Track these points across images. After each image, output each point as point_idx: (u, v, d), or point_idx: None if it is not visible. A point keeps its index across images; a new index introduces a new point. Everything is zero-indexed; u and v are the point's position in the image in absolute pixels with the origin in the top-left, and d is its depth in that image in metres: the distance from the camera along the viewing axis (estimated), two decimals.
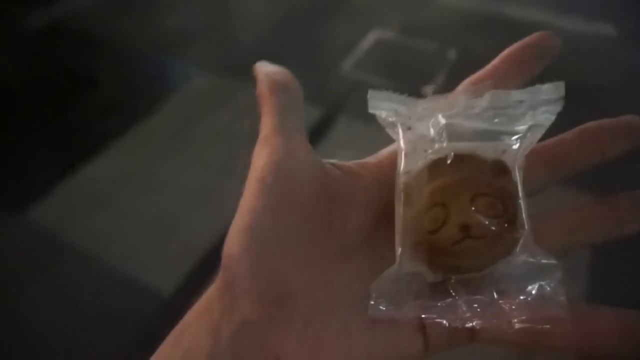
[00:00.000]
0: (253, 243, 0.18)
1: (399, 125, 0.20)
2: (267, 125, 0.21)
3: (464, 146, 0.18)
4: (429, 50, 2.23)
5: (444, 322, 0.16)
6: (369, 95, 0.21)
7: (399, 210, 0.18)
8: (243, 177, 0.20)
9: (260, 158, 0.20)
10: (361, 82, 2.05)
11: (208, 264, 1.40)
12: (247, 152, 0.21)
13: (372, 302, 0.17)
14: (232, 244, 0.18)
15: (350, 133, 1.79)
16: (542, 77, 0.21)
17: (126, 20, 2.50)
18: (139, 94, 2.05)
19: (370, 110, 0.21)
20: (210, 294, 0.20)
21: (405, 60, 2.23)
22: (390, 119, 0.20)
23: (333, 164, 0.21)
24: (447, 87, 0.22)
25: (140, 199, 1.61)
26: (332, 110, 1.93)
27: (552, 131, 0.20)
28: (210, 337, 0.18)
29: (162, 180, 1.68)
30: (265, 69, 0.23)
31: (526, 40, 0.21)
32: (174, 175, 1.68)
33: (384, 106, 0.20)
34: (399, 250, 0.18)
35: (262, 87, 0.22)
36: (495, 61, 0.21)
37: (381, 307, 0.17)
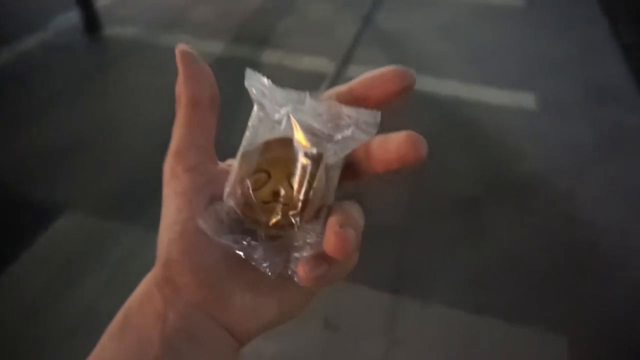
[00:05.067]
0: (189, 246, 0.22)
1: (255, 103, 0.24)
2: (181, 138, 0.24)
3: (296, 136, 0.23)
4: None
5: (242, 254, 0.22)
6: (246, 73, 0.24)
7: (235, 166, 0.24)
8: None
9: (176, 174, 0.23)
10: None
11: None
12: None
13: (201, 220, 0.22)
14: (172, 249, 0.22)
15: None
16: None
17: None
18: None
19: (245, 84, 0.24)
20: (146, 288, 0.23)
21: None
22: (255, 97, 0.25)
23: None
24: None
25: None
26: None
27: None
28: (158, 321, 0.22)
29: None
30: (189, 69, 0.24)
31: (381, 73, 0.24)
32: None
33: (255, 85, 0.25)
34: (226, 192, 0.23)
35: (184, 95, 0.24)
36: (353, 84, 0.25)
37: (205, 226, 0.22)
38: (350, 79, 0.25)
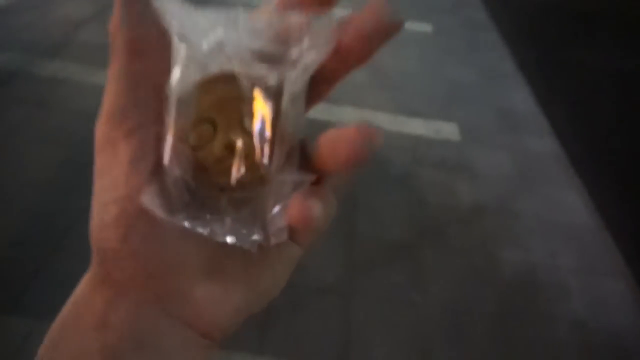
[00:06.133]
0: (129, 231, 0.17)
1: (174, 35, 0.18)
2: (116, 96, 0.19)
3: (241, 67, 0.18)
4: None
5: (205, 232, 0.17)
6: (155, 2, 0.18)
7: (169, 121, 0.18)
8: None
9: (112, 140, 0.18)
10: None
11: None
12: None
13: (144, 197, 0.17)
14: (107, 237, 0.18)
15: None
16: None
17: None
18: None
19: (156, 9, 0.18)
20: (83, 291, 0.19)
21: None
22: (172, 29, 0.18)
23: None
24: None
25: None
26: None
27: None
28: (98, 332, 0.17)
29: None
30: (127, 4, 0.19)
31: None
32: None
33: (169, 15, 0.18)
34: (166, 156, 0.18)
35: (120, 39, 0.19)
36: None
37: (151, 203, 0.17)
38: None
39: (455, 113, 2.35)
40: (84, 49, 2.47)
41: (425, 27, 3.24)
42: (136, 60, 0.19)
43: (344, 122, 2.17)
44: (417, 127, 2.22)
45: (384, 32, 0.18)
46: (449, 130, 2.23)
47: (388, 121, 2.23)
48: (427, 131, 2.21)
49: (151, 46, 0.19)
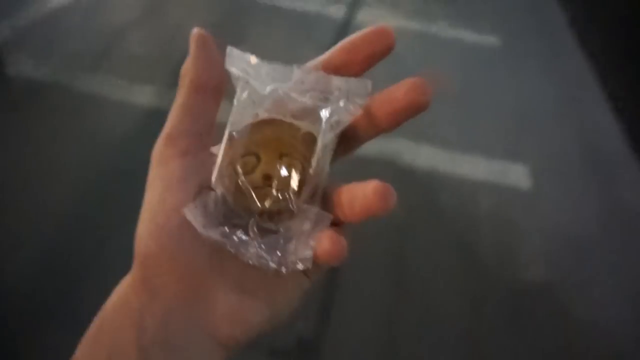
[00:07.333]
0: (170, 240, 0.21)
1: (240, 80, 0.23)
2: (175, 122, 0.23)
3: (287, 115, 0.23)
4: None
5: (233, 250, 0.21)
6: (227, 51, 0.24)
7: (222, 149, 0.23)
8: None
9: (165, 159, 0.22)
10: None
11: None
12: None
13: (187, 210, 0.21)
14: (151, 243, 0.21)
15: None
16: None
17: None
18: None
19: (226, 66, 0.24)
20: (123, 290, 0.22)
21: None
22: (237, 75, 0.24)
23: None
24: None
25: None
26: None
27: None
28: (133, 330, 0.20)
29: None
30: (201, 51, 0.24)
31: (361, 36, 0.23)
32: None
33: (237, 64, 0.24)
34: (214, 177, 0.22)
35: (189, 76, 0.24)
36: (334, 51, 0.24)
37: (192, 217, 0.21)
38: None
39: (526, 151, 2.02)
40: (124, 62, 2.35)
41: (491, 40, 2.88)
42: (195, 97, 0.24)
43: (399, 154, 1.90)
44: (476, 168, 1.92)
45: (414, 110, 0.22)
46: (517, 173, 1.91)
47: (441, 160, 1.93)
48: (489, 174, 1.90)
49: (210, 87, 0.24)
